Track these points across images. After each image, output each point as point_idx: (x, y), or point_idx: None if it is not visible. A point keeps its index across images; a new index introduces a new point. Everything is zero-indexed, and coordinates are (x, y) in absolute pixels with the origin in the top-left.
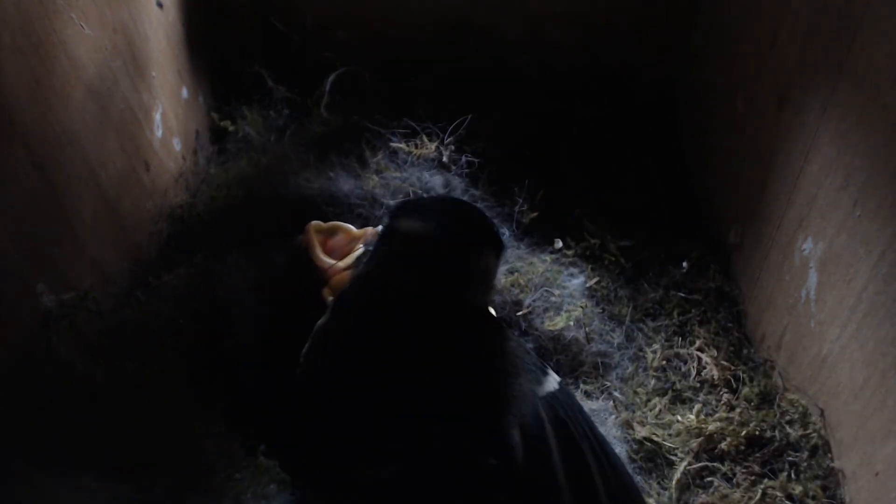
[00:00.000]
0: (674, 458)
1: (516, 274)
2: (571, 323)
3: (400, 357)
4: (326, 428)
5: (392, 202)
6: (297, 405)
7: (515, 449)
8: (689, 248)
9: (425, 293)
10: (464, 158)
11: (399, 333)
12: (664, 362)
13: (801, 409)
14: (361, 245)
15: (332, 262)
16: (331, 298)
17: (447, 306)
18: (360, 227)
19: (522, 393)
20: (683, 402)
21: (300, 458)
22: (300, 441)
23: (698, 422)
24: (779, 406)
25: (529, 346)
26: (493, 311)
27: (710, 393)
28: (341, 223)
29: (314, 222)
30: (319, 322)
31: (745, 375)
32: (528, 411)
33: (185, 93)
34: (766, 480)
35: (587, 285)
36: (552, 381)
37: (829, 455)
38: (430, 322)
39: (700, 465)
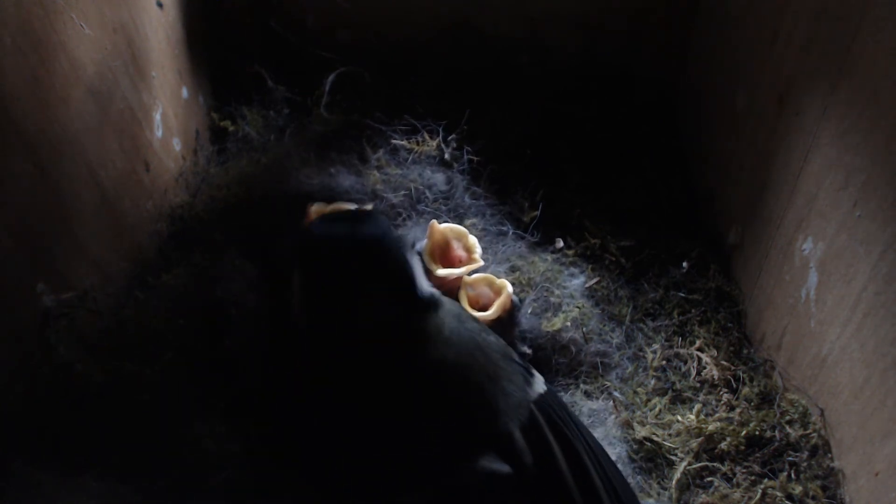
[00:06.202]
0: (674, 458)
1: (518, 272)
2: (569, 323)
3: (379, 383)
4: (340, 464)
5: (394, 197)
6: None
7: (523, 454)
8: (689, 248)
9: (377, 313)
10: (465, 156)
11: (369, 362)
12: (664, 362)
13: (801, 409)
14: None
15: None
16: None
17: (404, 315)
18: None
19: (515, 398)
20: (683, 402)
21: (314, 475)
22: (314, 458)
23: (698, 422)
24: (779, 406)
25: (527, 347)
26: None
27: (710, 393)
28: (343, 204)
29: (316, 204)
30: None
31: (745, 375)
32: (525, 415)
33: (185, 93)
34: (766, 480)
35: (587, 285)
36: (539, 382)
37: (829, 455)
38: (399, 340)
39: (700, 465)
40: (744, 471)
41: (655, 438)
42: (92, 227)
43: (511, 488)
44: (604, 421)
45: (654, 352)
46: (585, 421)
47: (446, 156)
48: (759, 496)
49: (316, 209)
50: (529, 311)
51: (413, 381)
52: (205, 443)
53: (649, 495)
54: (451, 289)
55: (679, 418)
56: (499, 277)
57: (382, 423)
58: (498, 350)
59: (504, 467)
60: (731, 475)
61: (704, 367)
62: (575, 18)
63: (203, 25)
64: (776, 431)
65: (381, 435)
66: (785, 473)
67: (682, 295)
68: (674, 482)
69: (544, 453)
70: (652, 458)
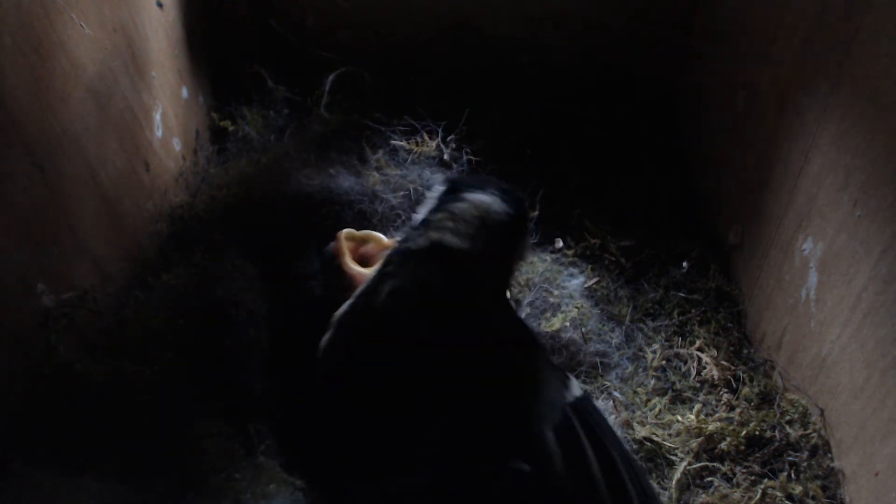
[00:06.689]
0: (674, 458)
1: (517, 272)
2: (568, 323)
3: (430, 358)
4: (352, 432)
5: (393, 198)
6: (318, 404)
7: (553, 455)
8: (689, 248)
9: (462, 289)
10: (464, 157)
11: (430, 333)
12: (664, 362)
13: (801, 409)
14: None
15: (362, 269)
16: None
17: (482, 302)
18: (365, 227)
19: (552, 398)
20: (683, 402)
21: (319, 462)
22: (320, 445)
23: (698, 422)
24: (779, 406)
25: None
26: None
27: (710, 393)
28: (373, 232)
29: (346, 230)
30: (341, 311)
31: (745, 375)
32: (560, 416)
33: (185, 93)
34: (766, 480)
35: (587, 285)
36: (576, 387)
37: (829, 455)
38: (463, 319)
39: (700, 465)
40: (744, 471)
41: (655, 438)
42: (92, 227)
43: (533, 489)
44: None
45: (654, 352)
46: None
47: (446, 156)
48: (759, 496)
49: (347, 234)
50: (528, 313)
51: (477, 372)
52: (205, 443)
53: None
54: None
55: (679, 418)
56: None
57: (428, 404)
58: (544, 354)
59: (523, 466)
60: (731, 475)
61: (704, 367)
62: (575, 18)
63: (203, 25)
64: (776, 431)
65: (419, 414)
66: (785, 473)
67: (682, 295)
68: (674, 482)
69: (577, 457)
70: (652, 458)
